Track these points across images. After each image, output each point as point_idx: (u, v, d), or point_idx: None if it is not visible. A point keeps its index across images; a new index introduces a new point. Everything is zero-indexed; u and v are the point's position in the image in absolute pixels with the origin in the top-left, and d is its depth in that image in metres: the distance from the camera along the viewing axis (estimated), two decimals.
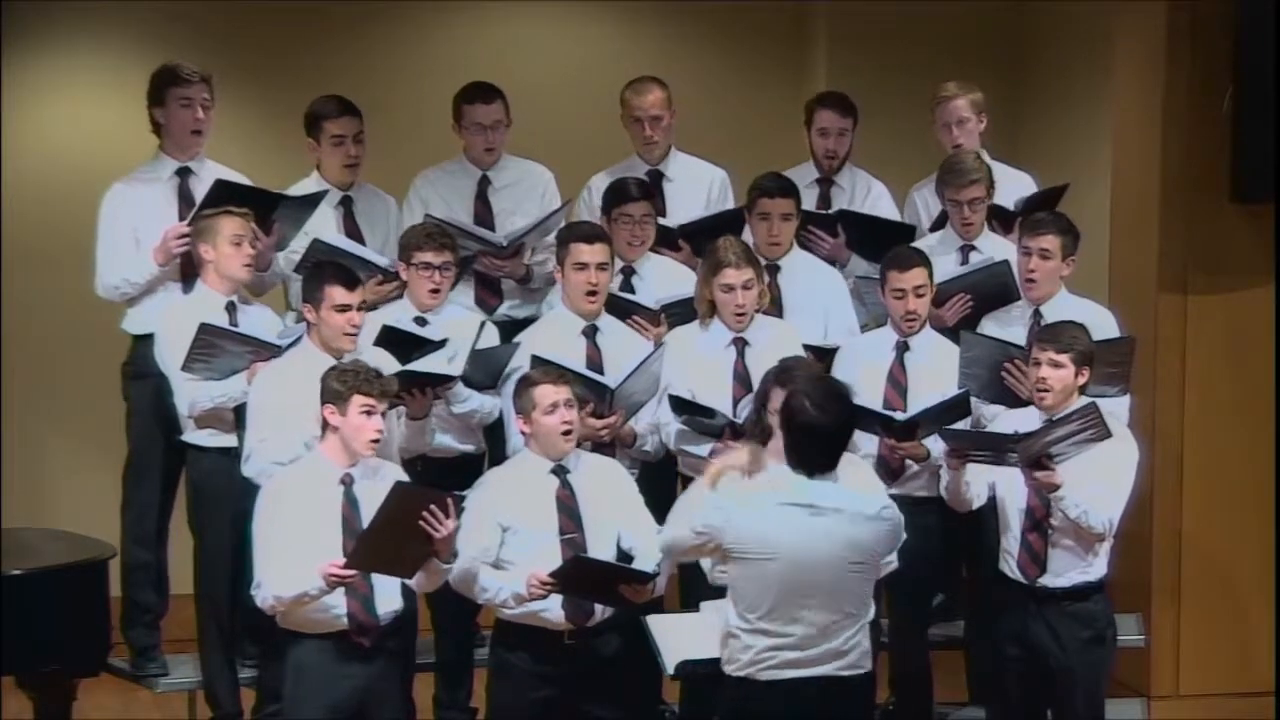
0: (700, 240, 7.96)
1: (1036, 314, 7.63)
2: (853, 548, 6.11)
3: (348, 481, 6.83)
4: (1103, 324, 7.61)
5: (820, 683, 6.12)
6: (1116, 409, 7.48)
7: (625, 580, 6.78)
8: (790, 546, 6.06)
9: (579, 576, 6.79)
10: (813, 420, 6.09)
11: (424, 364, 7.24)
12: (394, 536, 6.64)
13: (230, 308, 7.48)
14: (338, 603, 6.76)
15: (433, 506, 6.62)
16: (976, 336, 7.51)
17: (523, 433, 7.03)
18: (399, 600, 6.89)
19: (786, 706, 6.11)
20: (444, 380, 7.27)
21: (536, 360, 7.25)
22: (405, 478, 6.91)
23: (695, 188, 8.34)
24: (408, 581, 6.85)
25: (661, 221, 8.07)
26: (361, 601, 6.79)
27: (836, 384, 6.36)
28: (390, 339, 7.34)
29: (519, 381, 7.06)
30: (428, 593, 7.51)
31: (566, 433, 6.94)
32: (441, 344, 7.35)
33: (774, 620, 6.10)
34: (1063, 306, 7.60)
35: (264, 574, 6.78)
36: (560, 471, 7.01)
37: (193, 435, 7.56)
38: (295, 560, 6.69)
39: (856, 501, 6.19)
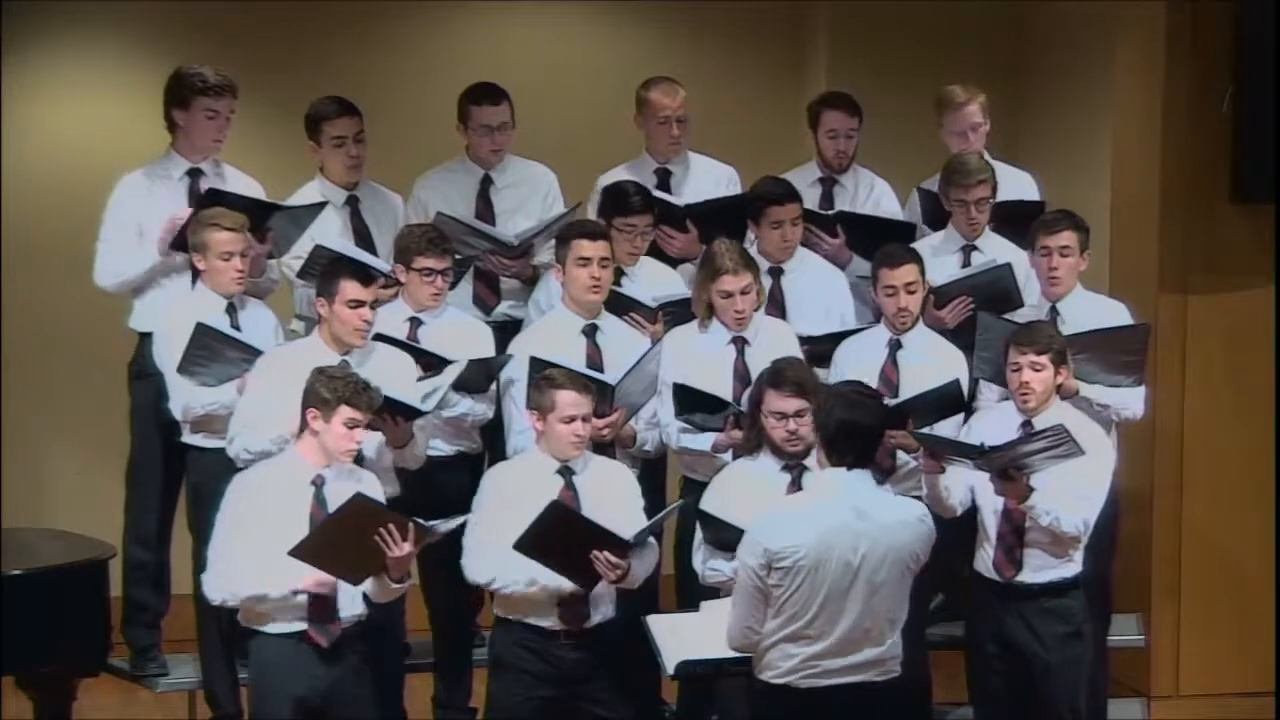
0: (707, 223, 7.97)
1: (1054, 311, 7.62)
2: (895, 551, 6.15)
3: (319, 482, 6.82)
4: (1119, 319, 7.64)
5: (859, 690, 6.13)
6: (1130, 401, 7.49)
7: (602, 544, 6.76)
8: (835, 550, 6.09)
9: (554, 529, 6.75)
10: (855, 408, 6.23)
11: (397, 391, 7.10)
12: (342, 542, 6.64)
13: (231, 309, 7.48)
14: (299, 600, 6.74)
15: (391, 526, 6.61)
16: (992, 319, 7.46)
17: (535, 428, 7.03)
18: (361, 605, 6.84)
19: (824, 714, 6.11)
20: (414, 413, 7.16)
21: (537, 362, 7.23)
22: (378, 486, 6.91)
23: (706, 185, 8.32)
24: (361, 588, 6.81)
25: (668, 198, 8.10)
26: (323, 602, 6.77)
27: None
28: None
29: (540, 378, 7.03)
30: (426, 593, 7.51)
31: (575, 443, 6.96)
32: (449, 362, 7.32)
33: (816, 625, 6.11)
34: (1080, 303, 7.62)
35: (219, 565, 6.78)
36: (566, 473, 7.01)
37: (191, 436, 7.55)
38: (258, 558, 6.68)
39: (898, 507, 6.29)
